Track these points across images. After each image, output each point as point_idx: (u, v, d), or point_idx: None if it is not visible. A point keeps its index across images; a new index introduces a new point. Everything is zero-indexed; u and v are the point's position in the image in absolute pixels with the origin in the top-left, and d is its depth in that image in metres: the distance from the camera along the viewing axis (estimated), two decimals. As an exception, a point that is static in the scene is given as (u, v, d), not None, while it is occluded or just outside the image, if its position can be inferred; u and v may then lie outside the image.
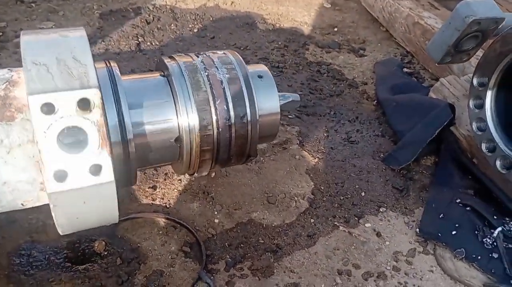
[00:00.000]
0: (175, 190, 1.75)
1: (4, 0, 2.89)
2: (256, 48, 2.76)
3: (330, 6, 3.42)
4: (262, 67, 1.51)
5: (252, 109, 1.37)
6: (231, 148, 1.38)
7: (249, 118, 1.37)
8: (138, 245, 1.53)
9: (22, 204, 1.08)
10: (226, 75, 1.36)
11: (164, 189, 1.75)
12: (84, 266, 1.43)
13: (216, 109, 1.32)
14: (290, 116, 2.21)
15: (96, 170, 1.00)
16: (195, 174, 1.46)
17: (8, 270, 1.39)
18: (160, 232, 1.59)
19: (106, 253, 1.48)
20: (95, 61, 1.09)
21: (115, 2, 3.03)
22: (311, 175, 1.91)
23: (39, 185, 1.05)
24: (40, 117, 0.94)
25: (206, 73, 1.35)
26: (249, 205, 1.74)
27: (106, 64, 1.26)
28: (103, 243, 1.49)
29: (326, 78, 2.58)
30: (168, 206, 1.69)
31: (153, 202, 1.69)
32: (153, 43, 2.66)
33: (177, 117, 1.30)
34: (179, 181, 1.78)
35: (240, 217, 1.69)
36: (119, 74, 1.24)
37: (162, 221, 1.62)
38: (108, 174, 1.01)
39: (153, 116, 1.28)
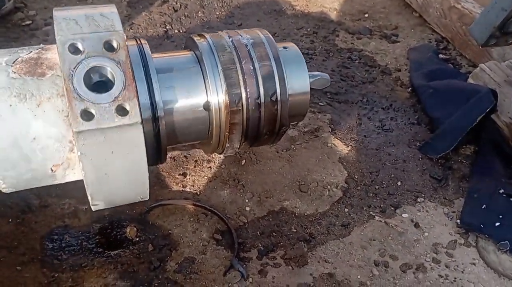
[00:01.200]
0: (205, 177, 1.72)
1: (34, -11, 2.90)
2: (284, 35, 2.70)
3: (360, -8, 3.32)
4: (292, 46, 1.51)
5: (282, 87, 1.36)
6: (260, 123, 1.36)
7: (278, 95, 1.36)
8: (169, 231, 1.51)
9: (51, 169, 1.07)
10: (257, 63, 1.35)
11: (194, 176, 1.72)
12: (116, 251, 1.42)
13: (246, 85, 1.30)
14: (321, 103, 2.15)
15: (122, 110, 1.00)
16: (224, 153, 1.43)
17: (42, 254, 1.39)
18: (191, 219, 1.56)
19: (137, 239, 1.47)
20: (127, 39, 1.10)
21: (143, -10, 3.01)
22: (344, 163, 1.85)
23: (68, 144, 1.05)
24: (67, 57, 0.99)
25: (238, 58, 1.33)
26: (280, 193, 1.70)
27: (137, 42, 1.26)
28: (135, 229, 1.48)
29: (357, 65, 2.50)
30: (198, 193, 1.66)
31: (183, 189, 1.67)
32: (181, 31, 2.63)
33: (207, 94, 1.29)
34: (209, 168, 1.75)
35: (271, 205, 1.65)
36: (150, 52, 1.23)
37: (192, 208, 1.60)
38: (134, 115, 1.00)
39: (183, 94, 1.27)
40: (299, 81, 1.41)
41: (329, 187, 1.74)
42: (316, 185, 1.74)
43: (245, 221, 1.58)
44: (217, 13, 2.86)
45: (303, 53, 2.51)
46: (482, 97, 1.84)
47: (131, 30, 2.57)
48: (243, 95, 1.29)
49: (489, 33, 1.60)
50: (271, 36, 1.42)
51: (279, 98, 1.34)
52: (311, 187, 1.73)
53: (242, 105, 1.30)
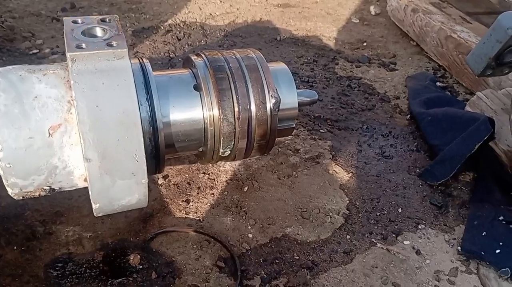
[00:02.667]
0: (208, 204, 1.74)
1: (41, 18, 2.99)
2: (285, 63, 2.76)
3: (358, 21, 3.41)
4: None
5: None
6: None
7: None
8: (173, 259, 1.52)
9: (49, 132, 1.14)
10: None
11: (197, 202, 1.74)
12: (119, 279, 1.42)
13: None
14: (322, 130, 2.19)
15: (111, 45, 1.17)
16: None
17: (45, 282, 1.40)
18: (194, 246, 1.57)
19: (141, 266, 1.47)
20: (131, 58, 1.22)
21: (147, 20, 3.09)
22: (345, 190, 1.87)
23: (66, 103, 1.16)
24: (68, 24, 1.26)
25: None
26: (282, 220, 1.71)
27: (139, 60, 1.38)
28: (138, 256, 1.49)
29: (357, 92, 2.55)
30: (201, 220, 1.67)
31: (186, 216, 1.68)
32: (184, 59, 2.69)
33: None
34: (212, 195, 1.77)
35: (274, 232, 1.66)
36: (151, 69, 1.36)
37: (195, 235, 1.61)
38: (121, 47, 1.16)
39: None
40: (288, 96, 1.54)
41: (330, 213, 1.75)
42: (318, 211, 1.75)
43: (248, 248, 1.59)
44: (220, 42, 2.94)
45: (303, 81, 2.59)
46: (479, 125, 1.88)
47: (135, 59, 2.63)
48: (235, 109, 1.41)
49: (485, 63, 1.65)
50: (262, 55, 1.56)
51: (269, 112, 1.46)
52: (313, 214, 1.74)
53: (235, 119, 1.41)
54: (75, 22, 1.27)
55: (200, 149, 1.50)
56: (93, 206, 1.21)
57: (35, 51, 2.60)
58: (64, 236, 1.54)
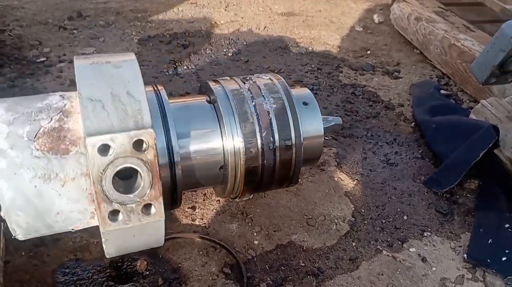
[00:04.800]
0: (214, 211, 1.75)
1: (48, 27, 3.03)
2: (290, 71, 2.79)
3: (362, 29, 3.44)
4: (306, 92, 1.52)
5: (297, 136, 1.37)
6: (275, 173, 1.38)
7: (293, 143, 1.37)
8: (179, 265, 1.52)
9: (72, 229, 1.10)
10: (273, 105, 1.37)
11: (203, 209, 1.75)
12: (126, 285, 1.43)
13: (262, 138, 1.32)
14: (326, 138, 2.20)
15: (147, 209, 1.03)
16: (239, 198, 1.46)
17: (53, 288, 1.41)
18: (200, 252, 1.58)
19: (148, 272, 1.48)
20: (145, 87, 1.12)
21: (153, 28, 3.12)
22: (351, 197, 1.87)
23: (90, 214, 1.07)
24: (97, 159, 0.96)
25: (253, 103, 1.35)
26: (288, 227, 1.72)
27: (154, 88, 1.29)
28: (145, 262, 1.49)
29: (361, 100, 2.56)
30: (207, 227, 1.68)
31: (192, 222, 1.69)
32: (190, 67, 2.72)
33: (223, 144, 1.31)
34: (218, 202, 1.78)
35: (279, 239, 1.67)
36: (167, 98, 1.27)
37: (202, 241, 1.62)
38: (158, 213, 1.04)
39: (199, 139, 1.30)
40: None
41: (336, 220, 1.76)
42: (323, 218, 1.76)
43: (254, 255, 1.60)
44: (224, 50, 2.97)
45: (308, 89, 2.59)
46: (484, 132, 1.88)
47: (142, 67, 2.64)
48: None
49: (489, 72, 1.66)
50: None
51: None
52: (318, 221, 1.75)
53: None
54: (104, 151, 0.97)
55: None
56: (105, 249, 1.10)
57: (42, 59, 2.63)
58: (72, 242, 1.55)
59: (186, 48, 2.92)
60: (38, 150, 0.99)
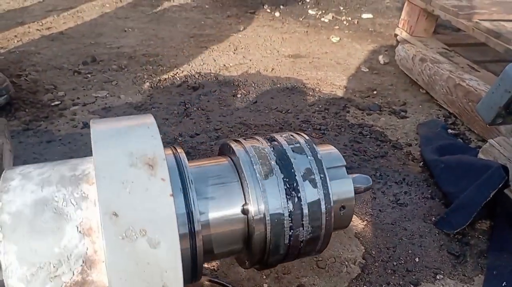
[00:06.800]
0: (223, 253, 1.74)
1: (63, 71, 3.14)
2: (297, 112, 2.83)
3: (367, 70, 3.51)
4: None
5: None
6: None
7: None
8: (188, 310, 1.50)
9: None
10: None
11: (212, 251, 1.74)
12: (134, 331, 1.41)
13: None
14: (335, 178, 2.20)
15: None
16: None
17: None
18: (209, 296, 1.56)
19: (156, 318, 1.46)
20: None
21: (164, 71, 3.22)
22: (361, 239, 1.86)
23: None
24: None
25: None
26: (298, 269, 1.70)
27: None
28: (153, 307, 1.47)
29: (369, 139, 2.58)
30: (216, 269, 1.67)
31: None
32: (199, 109, 2.78)
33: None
34: (227, 244, 1.77)
35: (289, 282, 1.64)
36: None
37: (210, 284, 1.60)
38: None
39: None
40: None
41: (346, 263, 1.74)
42: (333, 260, 1.74)
43: (263, 299, 1.57)
44: (233, 91, 3.03)
45: (315, 129, 2.64)
46: (493, 173, 1.88)
47: (153, 109, 2.72)
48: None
49: (495, 113, 1.67)
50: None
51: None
52: (328, 263, 1.73)
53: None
54: None
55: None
56: None
57: (56, 102, 2.71)
58: None
59: (196, 90, 3.00)
60: None
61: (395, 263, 1.75)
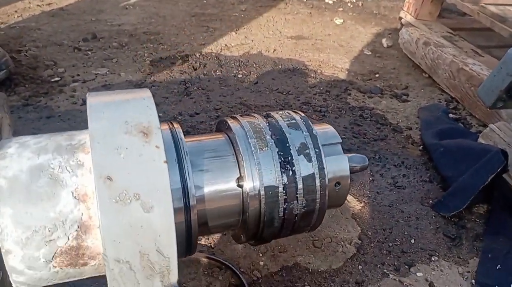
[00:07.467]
0: (220, 231, 1.75)
1: (63, 48, 3.11)
2: (298, 93, 2.82)
3: (370, 53, 3.48)
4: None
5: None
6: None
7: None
8: (184, 285, 1.52)
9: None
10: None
11: (209, 229, 1.75)
12: (131, 304, 1.43)
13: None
14: (334, 160, 2.20)
15: None
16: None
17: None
18: (205, 272, 1.58)
19: (152, 292, 1.47)
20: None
21: (164, 50, 3.20)
22: (357, 220, 1.87)
23: None
24: None
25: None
26: (294, 248, 1.71)
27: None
28: (150, 281, 1.49)
29: (369, 122, 2.57)
30: (213, 246, 1.68)
31: (198, 242, 1.69)
32: (200, 88, 2.76)
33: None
34: (224, 222, 1.78)
35: (285, 261, 1.66)
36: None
37: (207, 261, 1.62)
38: None
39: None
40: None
41: (342, 243, 1.75)
42: (329, 240, 1.75)
43: (259, 276, 1.59)
44: (234, 71, 3.01)
45: (316, 111, 2.62)
46: (492, 157, 1.88)
47: (153, 87, 2.71)
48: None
49: (496, 96, 1.66)
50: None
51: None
52: (324, 243, 1.74)
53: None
54: None
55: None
56: None
57: (56, 79, 2.70)
58: None
59: (197, 69, 2.98)
60: (55, 267, 0.91)
61: (390, 244, 1.76)
